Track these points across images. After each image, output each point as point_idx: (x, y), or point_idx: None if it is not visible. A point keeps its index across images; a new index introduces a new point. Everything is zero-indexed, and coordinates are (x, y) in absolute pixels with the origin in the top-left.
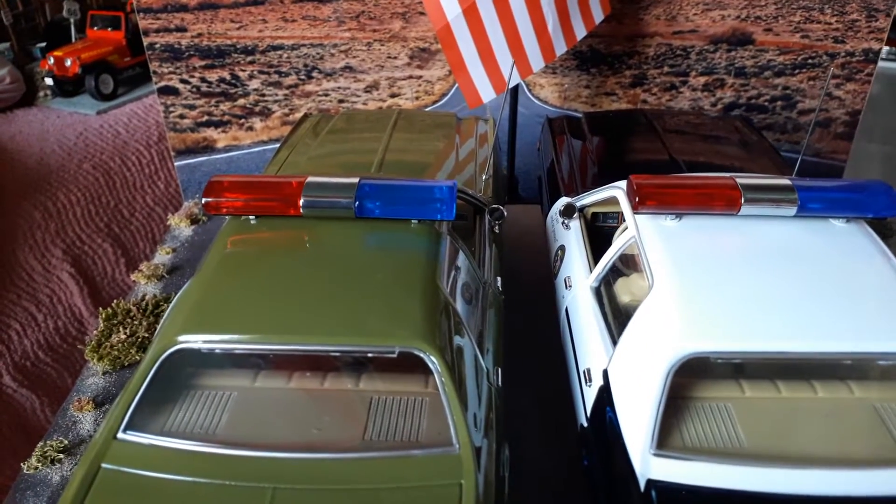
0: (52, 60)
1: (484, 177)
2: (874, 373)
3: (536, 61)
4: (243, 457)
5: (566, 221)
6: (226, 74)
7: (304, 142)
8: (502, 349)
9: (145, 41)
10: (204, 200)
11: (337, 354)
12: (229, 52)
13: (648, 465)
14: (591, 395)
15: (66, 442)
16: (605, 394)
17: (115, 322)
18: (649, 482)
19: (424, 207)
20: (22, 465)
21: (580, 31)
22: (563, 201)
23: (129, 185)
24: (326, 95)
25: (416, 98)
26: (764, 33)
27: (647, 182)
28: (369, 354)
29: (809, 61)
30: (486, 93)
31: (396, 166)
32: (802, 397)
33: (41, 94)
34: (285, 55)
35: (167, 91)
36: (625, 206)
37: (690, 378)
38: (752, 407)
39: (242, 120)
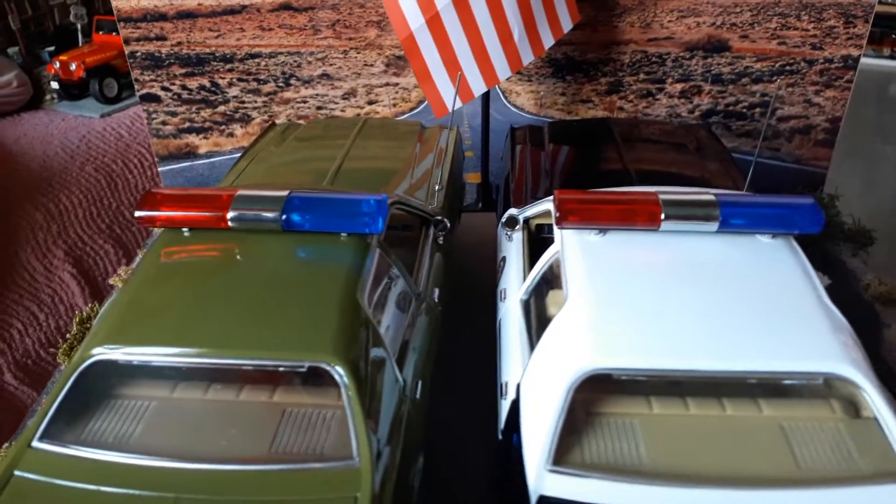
0: (57, 64)
1: (437, 187)
2: (783, 392)
3: (503, 70)
4: (150, 466)
5: (509, 233)
6: (206, 82)
7: (268, 150)
8: (432, 361)
9: (126, 50)
10: (137, 214)
11: (250, 368)
12: (208, 60)
13: (543, 481)
14: (505, 408)
15: None
16: (515, 408)
17: (88, 326)
18: (541, 498)
19: (352, 221)
20: None
21: (548, 41)
22: (510, 212)
23: (131, 187)
24: (305, 102)
25: (394, 105)
26: (740, 40)
27: (570, 197)
28: (281, 368)
29: (787, 68)
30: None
31: (352, 175)
32: (710, 415)
33: (48, 97)
34: (263, 63)
35: (149, 98)
36: (554, 220)
37: (600, 393)
38: (658, 424)
39: (223, 126)
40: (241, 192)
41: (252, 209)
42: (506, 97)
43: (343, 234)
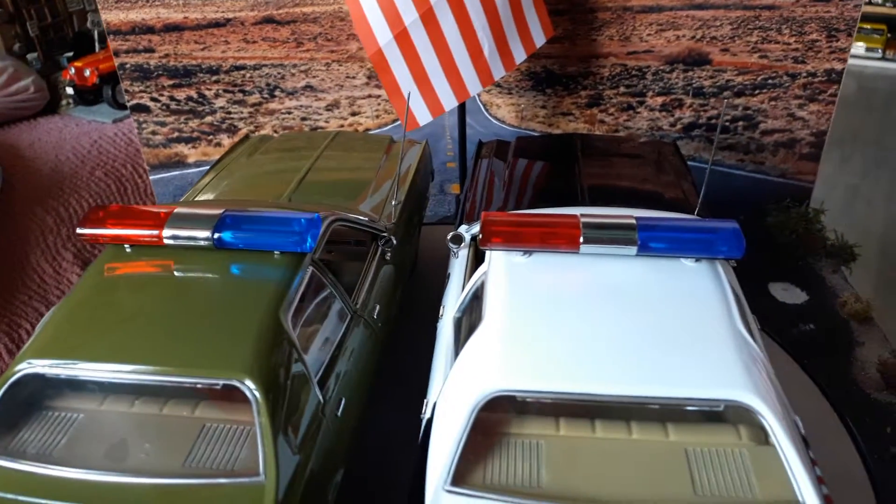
0: (73, 70)
1: (393, 202)
2: (689, 417)
3: (473, 85)
4: (67, 478)
5: (455, 250)
6: (193, 93)
7: (237, 162)
8: (365, 378)
9: (116, 62)
10: (79, 231)
11: (171, 384)
12: (195, 72)
13: (439, 502)
14: (423, 427)
15: None
16: (428, 429)
17: None
18: None
19: (282, 239)
20: None
21: (519, 56)
22: (459, 229)
23: (140, 191)
24: (289, 113)
25: (377, 116)
26: (721, 53)
27: (495, 220)
28: (198, 385)
29: (770, 81)
30: (423, 116)
31: (312, 189)
32: (615, 438)
33: (64, 102)
34: (248, 75)
35: (139, 109)
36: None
37: (511, 413)
38: (563, 445)
39: (211, 136)
40: (177, 210)
41: (185, 228)
42: (487, 110)
43: (276, 252)
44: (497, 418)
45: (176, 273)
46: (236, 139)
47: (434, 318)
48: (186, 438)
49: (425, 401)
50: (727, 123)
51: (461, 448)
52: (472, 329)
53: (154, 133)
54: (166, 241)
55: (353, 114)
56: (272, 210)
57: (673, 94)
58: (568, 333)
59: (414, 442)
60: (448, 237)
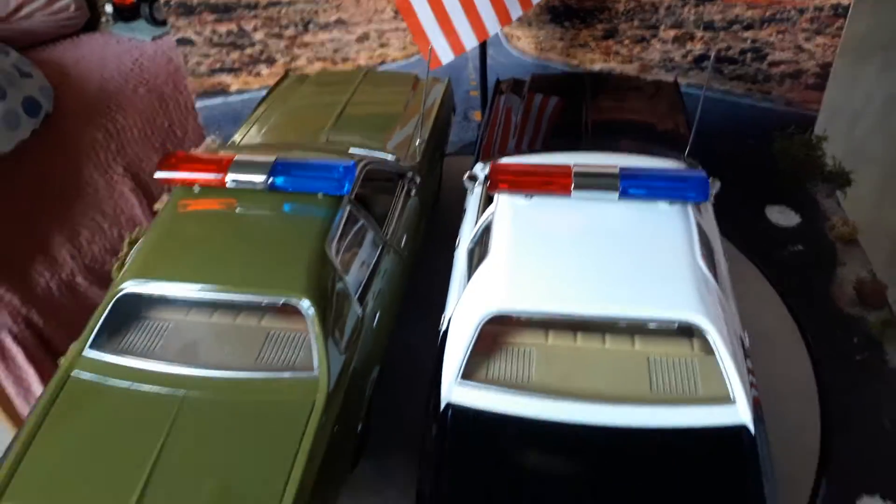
0: None
1: (416, 142)
2: (654, 332)
3: (492, 25)
4: (167, 370)
5: (471, 187)
6: (233, 27)
7: (280, 100)
8: (396, 296)
9: None
10: (156, 175)
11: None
12: (235, 8)
13: (451, 392)
14: (441, 336)
15: None
16: (444, 337)
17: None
18: (448, 405)
19: (325, 183)
20: None
21: None
22: (478, 167)
23: (181, 108)
24: (323, 46)
25: (403, 48)
26: None
27: (502, 168)
28: (263, 303)
29: (777, 16)
30: (445, 55)
31: (348, 125)
32: (592, 347)
33: (103, 20)
34: (283, 10)
35: (184, 42)
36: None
37: (508, 326)
38: (550, 352)
39: (251, 67)
40: (237, 157)
41: (244, 173)
42: (507, 41)
43: (320, 194)
44: (499, 330)
45: (238, 210)
46: (276, 72)
47: (452, 245)
48: (255, 342)
49: (443, 316)
50: (736, 55)
51: (469, 352)
52: (481, 259)
53: (199, 63)
54: (228, 185)
55: (382, 46)
56: (316, 157)
57: (685, 28)
58: (557, 265)
59: (433, 347)
60: (465, 177)
